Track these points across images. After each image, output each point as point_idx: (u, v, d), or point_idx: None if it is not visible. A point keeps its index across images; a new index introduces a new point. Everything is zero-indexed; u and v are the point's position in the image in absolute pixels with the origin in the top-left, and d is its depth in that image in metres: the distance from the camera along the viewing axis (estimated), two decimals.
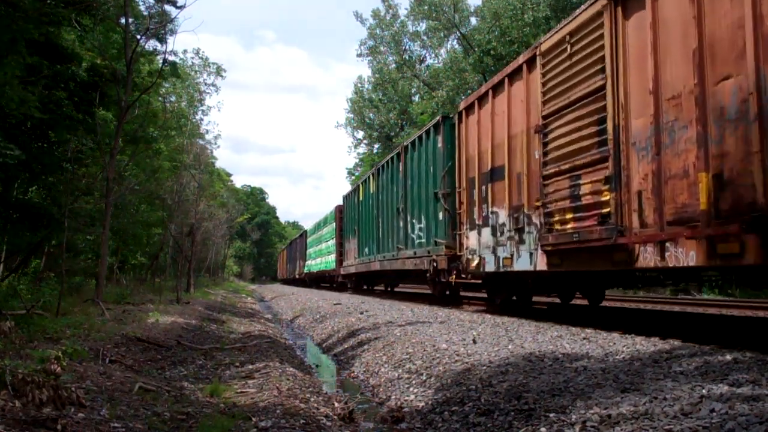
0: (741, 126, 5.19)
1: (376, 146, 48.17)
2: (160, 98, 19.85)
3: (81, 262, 17.47)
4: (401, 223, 15.92)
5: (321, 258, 32.22)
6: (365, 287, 25.35)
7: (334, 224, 27.34)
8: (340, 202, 27.99)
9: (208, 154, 35.70)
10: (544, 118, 8.36)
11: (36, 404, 3.63)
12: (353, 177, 51.79)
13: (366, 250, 20.56)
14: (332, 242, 28.02)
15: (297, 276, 46.66)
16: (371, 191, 19.91)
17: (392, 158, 17.23)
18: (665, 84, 6.15)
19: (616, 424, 3.41)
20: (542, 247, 8.27)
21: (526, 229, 8.89)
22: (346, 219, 25.11)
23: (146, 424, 4.00)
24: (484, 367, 5.61)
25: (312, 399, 5.62)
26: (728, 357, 4.81)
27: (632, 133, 6.65)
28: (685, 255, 5.77)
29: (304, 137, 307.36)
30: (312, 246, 36.98)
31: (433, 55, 43.60)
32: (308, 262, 38.47)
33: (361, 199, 21.76)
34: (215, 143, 58.71)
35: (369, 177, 20.41)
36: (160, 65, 14.53)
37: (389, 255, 17.08)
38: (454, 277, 12.05)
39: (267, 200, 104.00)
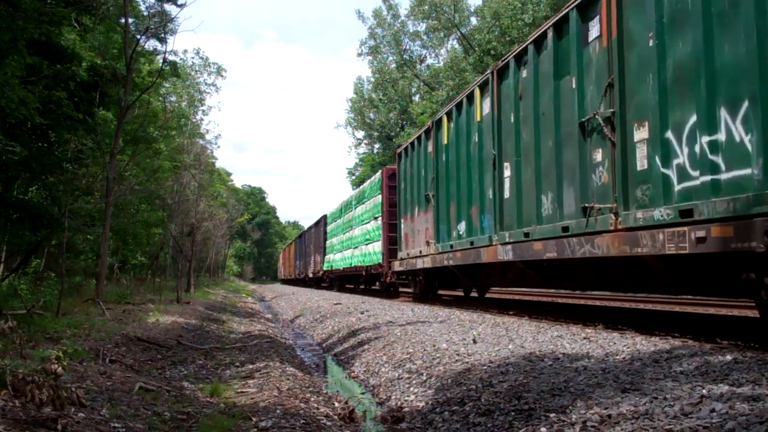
0: None
1: (377, 146, 48.25)
2: (160, 98, 19.87)
3: (81, 262, 17.49)
4: (598, 155, 7.38)
5: (353, 250, 23.26)
6: (432, 293, 15.65)
7: (380, 198, 18.83)
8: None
9: (209, 153, 35.76)
10: None
11: (36, 404, 3.63)
12: (353, 177, 51.88)
13: (461, 227, 11.76)
14: (375, 224, 19.51)
15: (311, 275, 36.61)
16: (477, 117, 11.03)
17: (562, 22, 8.29)
18: None
19: (616, 424, 3.41)
20: None
21: None
22: (406, 185, 15.82)
23: (146, 424, 4.00)
24: (485, 367, 5.61)
25: (312, 399, 5.63)
26: (728, 357, 4.80)
27: None
28: None
29: (304, 137, 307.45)
30: (335, 235, 28.01)
31: (433, 55, 43.73)
32: (329, 257, 29.36)
33: (446, 141, 12.68)
34: (215, 143, 58.78)
35: (470, 96, 11.45)
36: (160, 65, 14.54)
37: (553, 229, 8.18)
38: None
39: (267, 200, 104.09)
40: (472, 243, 11.13)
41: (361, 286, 25.37)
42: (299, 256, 44.14)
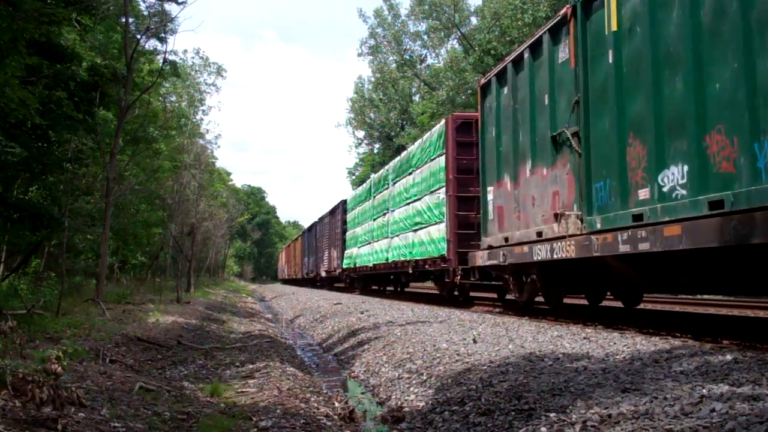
0: None
1: (377, 146, 48.31)
2: (160, 98, 19.87)
3: (81, 262, 17.49)
4: None
5: (389, 240, 17.59)
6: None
7: (443, 160, 13.19)
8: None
9: (209, 153, 35.78)
10: None
11: (36, 404, 3.63)
12: (353, 177, 51.95)
13: (669, 178, 6.26)
14: (433, 200, 13.75)
15: (324, 274, 30.89)
16: None
17: None
18: None
19: (616, 423, 3.41)
20: None
21: None
22: (501, 130, 10.30)
23: (146, 424, 4.00)
24: (485, 367, 5.61)
25: (312, 399, 5.63)
26: (728, 357, 4.80)
27: None
28: None
29: (304, 137, 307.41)
30: (360, 223, 22.48)
31: (433, 55, 43.73)
32: (351, 252, 23.65)
33: (614, 27, 7.14)
34: (215, 143, 58.77)
35: None
36: (160, 65, 14.54)
37: None
38: None
39: (267, 200, 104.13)
40: (716, 204, 5.54)
41: (391, 288, 20.66)
42: (308, 253, 37.90)
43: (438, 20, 37.15)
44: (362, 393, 6.62)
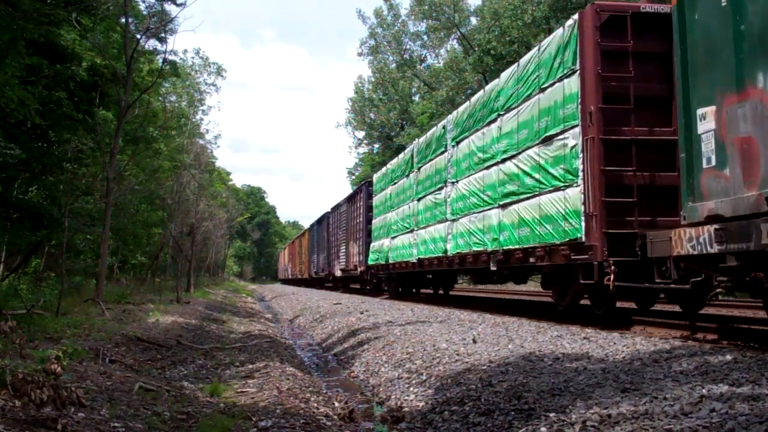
0: None
1: (377, 146, 48.32)
2: (160, 98, 19.87)
3: (81, 262, 17.50)
4: None
5: (450, 223, 12.57)
6: None
7: (574, 83, 7.90)
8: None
9: (208, 153, 35.76)
10: None
11: (36, 404, 3.63)
12: (353, 177, 51.99)
13: None
14: (549, 151, 8.47)
15: (339, 273, 26.10)
16: None
17: None
18: None
19: (616, 423, 3.41)
20: None
21: None
22: None
23: (146, 424, 4.00)
24: (484, 367, 5.62)
25: (312, 399, 5.63)
26: (728, 357, 4.81)
27: None
28: None
29: (304, 137, 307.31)
30: (393, 207, 17.55)
31: (433, 55, 43.73)
32: (380, 244, 18.86)
33: None
34: (215, 143, 58.67)
35: None
36: (160, 65, 14.55)
37: None
38: None
39: (267, 200, 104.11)
40: None
41: (435, 292, 16.79)
42: (317, 249, 33.22)
43: (438, 20, 37.15)
44: (362, 393, 6.62)
